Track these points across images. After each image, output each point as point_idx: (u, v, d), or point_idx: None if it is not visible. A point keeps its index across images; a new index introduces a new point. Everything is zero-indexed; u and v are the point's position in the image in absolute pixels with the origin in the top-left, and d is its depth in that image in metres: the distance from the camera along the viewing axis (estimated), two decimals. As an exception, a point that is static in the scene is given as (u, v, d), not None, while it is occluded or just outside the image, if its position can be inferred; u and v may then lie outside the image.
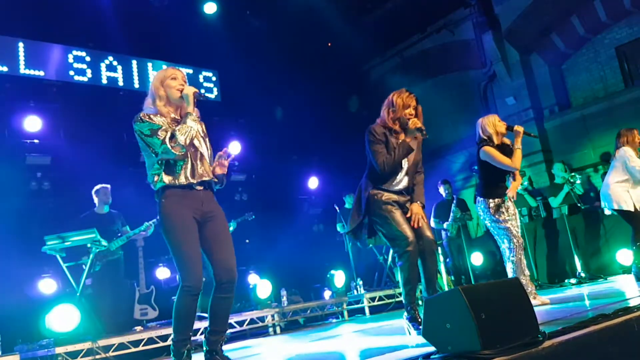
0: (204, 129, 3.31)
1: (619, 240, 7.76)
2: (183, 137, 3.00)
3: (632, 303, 3.43)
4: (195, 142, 3.16)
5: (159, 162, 3.08)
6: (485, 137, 4.97)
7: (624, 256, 7.36)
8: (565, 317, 3.39)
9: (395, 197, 3.86)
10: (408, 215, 3.83)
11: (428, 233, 3.84)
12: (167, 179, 3.06)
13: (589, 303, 4.42)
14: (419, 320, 3.68)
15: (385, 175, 3.83)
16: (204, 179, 3.15)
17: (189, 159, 3.11)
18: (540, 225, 8.39)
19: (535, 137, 5.51)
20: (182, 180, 3.07)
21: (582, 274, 7.44)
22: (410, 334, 3.72)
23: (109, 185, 6.50)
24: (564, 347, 2.39)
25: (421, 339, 3.41)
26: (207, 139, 3.31)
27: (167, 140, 2.98)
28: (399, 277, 3.87)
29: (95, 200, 6.44)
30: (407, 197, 3.91)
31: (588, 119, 9.54)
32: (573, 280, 7.33)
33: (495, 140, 4.94)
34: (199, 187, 3.13)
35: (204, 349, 3.10)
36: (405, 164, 3.90)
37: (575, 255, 7.61)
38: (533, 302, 4.42)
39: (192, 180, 3.09)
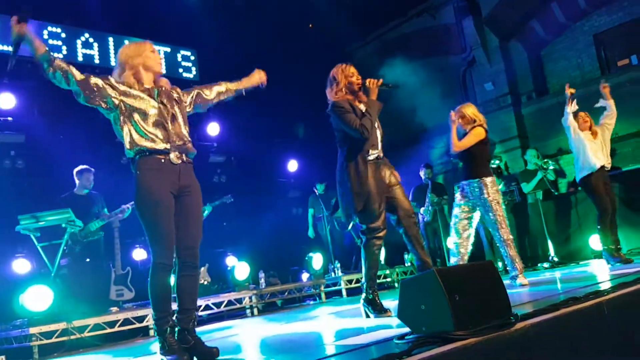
0: (180, 95, 3.25)
1: (592, 226, 7.89)
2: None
3: (602, 287, 3.51)
4: (165, 100, 3.10)
5: (125, 125, 2.99)
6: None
7: (596, 241, 7.51)
8: (537, 300, 3.46)
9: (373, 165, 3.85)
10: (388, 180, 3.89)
11: (406, 203, 3.91)
12: (139, 142, 2.98)
13: (561, 286, 4.52)
14: (378, 302, 3.77)
15: (365, 143, 3.78)
16: (178, 143, 3.04)
17: (161, 120, 3.03)
18: (515, 210, 8.51)
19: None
20: (156, 145, 2.98)
21: (555, 259, 7.58)
22: (368, 317, 3.78)
23: (93, 170, 6.36)
24: (536, 328, 2.43)
25: (382, 321, 3.48)
26: (182, 105, 3.22)
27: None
28: (363, 259, 3.86)
29: (77, 182, 6.31)
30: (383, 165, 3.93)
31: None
32: (546, 264, 7.47)
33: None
34: (176, 160, 3.03)
35: (176, 329, 3.09)
36: (377, 131, 3.93)
37: (548, 240, 7.74)
38: (520, 281, 4.61)
39: (166, 145, 3.00)
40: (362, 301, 3.86)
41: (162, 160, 3.01)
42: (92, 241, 6.13)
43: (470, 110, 5.20)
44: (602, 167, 6.06)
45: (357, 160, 3.78)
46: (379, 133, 3.96)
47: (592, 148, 6.04)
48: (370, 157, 3.84)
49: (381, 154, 3.93)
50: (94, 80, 3.00)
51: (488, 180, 5.00)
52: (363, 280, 3.88)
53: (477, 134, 5.06)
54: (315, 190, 8.68)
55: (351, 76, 3.91)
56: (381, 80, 3.88)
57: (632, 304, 3.07)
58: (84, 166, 6.35)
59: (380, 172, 3.86)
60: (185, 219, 3.08)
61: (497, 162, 8.51)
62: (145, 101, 3.05)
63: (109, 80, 3.05)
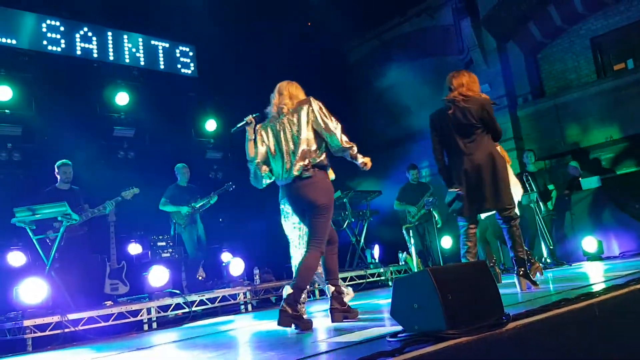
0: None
1: (585, 227, 7.97)
2: None
3: (594, 288, 3.55)
4: None
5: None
6: None
7: (589, 243, 7.57)
8: (529, 300, 3.49)
9: None
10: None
11: None
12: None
13: (553, 287, 4.55)
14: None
15: None
16: None
17: None
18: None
19: None
20: None
21: (548, 260, 7.63)
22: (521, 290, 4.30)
23: (70, 163, 6.29)
24: (528, 328, 2.46)
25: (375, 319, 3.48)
26: None
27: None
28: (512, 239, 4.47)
29: (58, 176, 6.24)
30: None
31: (560, 108, 9.70)
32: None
33: None
34: None
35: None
36: None
37: (541, 241, 7.78)
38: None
39: None
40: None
41: None
42: (76, 236, 6.02)
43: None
44: None
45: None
46: None
47: None
48: None
49: None
50: None
51: None
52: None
53: None
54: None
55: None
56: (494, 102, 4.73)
57: (623, 306, 3.10)
58: (63, 161, 6.24)
59: None
60: None
61: None
62: None
63: None
